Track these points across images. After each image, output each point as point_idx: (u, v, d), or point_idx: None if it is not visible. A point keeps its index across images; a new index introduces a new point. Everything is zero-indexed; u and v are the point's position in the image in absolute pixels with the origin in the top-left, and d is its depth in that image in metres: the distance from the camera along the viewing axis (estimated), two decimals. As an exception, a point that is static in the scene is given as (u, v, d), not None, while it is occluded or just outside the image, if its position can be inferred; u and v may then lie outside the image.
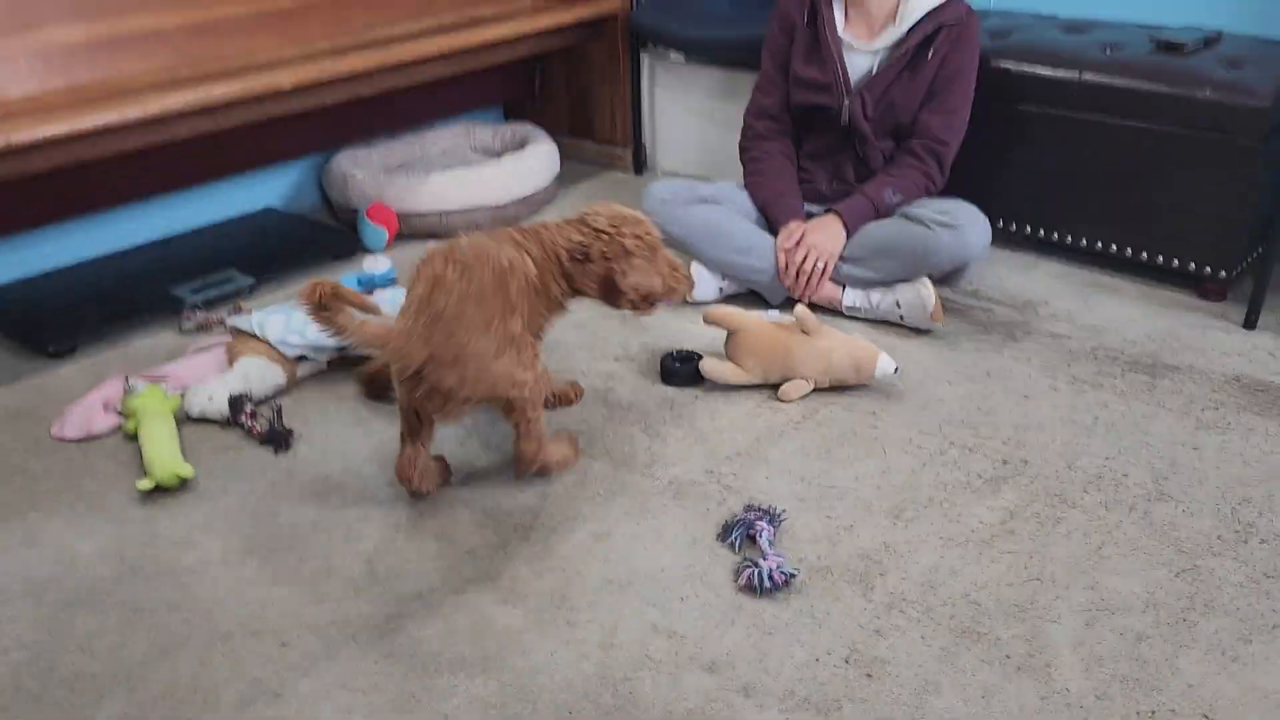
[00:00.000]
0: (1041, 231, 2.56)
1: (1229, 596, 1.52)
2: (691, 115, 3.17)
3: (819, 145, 2.41)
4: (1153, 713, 1.34)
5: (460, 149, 3.27)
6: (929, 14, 2.23)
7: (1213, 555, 1.60)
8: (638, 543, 1.68)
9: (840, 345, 2.02)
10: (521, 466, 1.77)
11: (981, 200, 2.30)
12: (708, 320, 2.10)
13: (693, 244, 2.36)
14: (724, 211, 2.36)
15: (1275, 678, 1.38)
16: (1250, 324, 2.24)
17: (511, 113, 3.55)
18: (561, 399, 1.99)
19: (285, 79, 2.38)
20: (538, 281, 1.74)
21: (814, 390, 2.05)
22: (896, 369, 2.01)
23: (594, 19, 3.07)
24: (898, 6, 2.27)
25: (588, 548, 1.68)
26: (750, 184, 2.44)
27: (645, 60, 3.21)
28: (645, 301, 1.83)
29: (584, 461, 1.89)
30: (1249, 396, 2.00)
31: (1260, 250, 2.30)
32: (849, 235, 2.28)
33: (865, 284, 2.31)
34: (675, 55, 3.15)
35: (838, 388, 2.06)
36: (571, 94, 3.39)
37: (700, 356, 2.12)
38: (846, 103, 2.30)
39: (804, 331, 2.02)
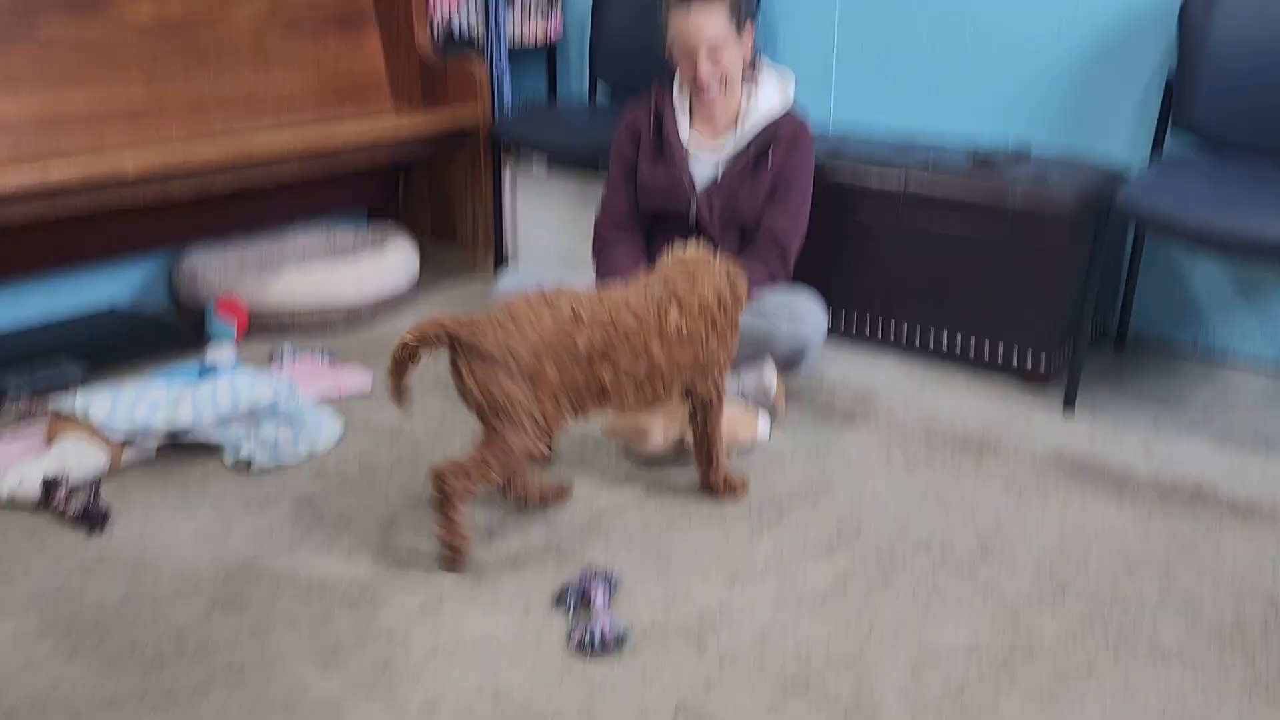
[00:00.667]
0: (880, 329, 2.69)
1: (1047, 645, 1.56)
2: (552, 222, 3.26)
3: (668, 245, 2.49)
4: (973, 752, 1.35)
5: (319, 250, 3.27)
6: (767, 126, 2.36)
7: (1031, 609, 1.65)
8: (469, 610, 1.64)
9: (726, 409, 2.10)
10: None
11: (825, 300, 2.40)
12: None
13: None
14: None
15: (1087, 716, 1.41)
16: (1069, 407, 2.37)
17: (376, 216, 3.59)
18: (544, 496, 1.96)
19: (129, 164, 2.36)
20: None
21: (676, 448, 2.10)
22: (768, 434, 2.13)
23: (456, 129, 3.17)
24: (739, 115, 2.41)
25: (416, 617, 1.62)
26: (601, 275, 2.50)
27: (507, 169, 3.30)
28: None
29: (416, 537, 1.85)
30: (1066, 470, 2.10)
31: (1074, 342, 2.45)
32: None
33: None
34: (537, 164, 3.26)
35: (686, 470, 2.08)
36: (435, 200, 3.45)
37: (546, 437, 2.12)
38: (693, 206, 2.41)
39: None
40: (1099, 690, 1.46)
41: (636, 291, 1.84)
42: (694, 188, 2.40)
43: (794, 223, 2.42)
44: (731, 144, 2.38)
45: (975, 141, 2.79)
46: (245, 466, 2.09)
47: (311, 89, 3.12)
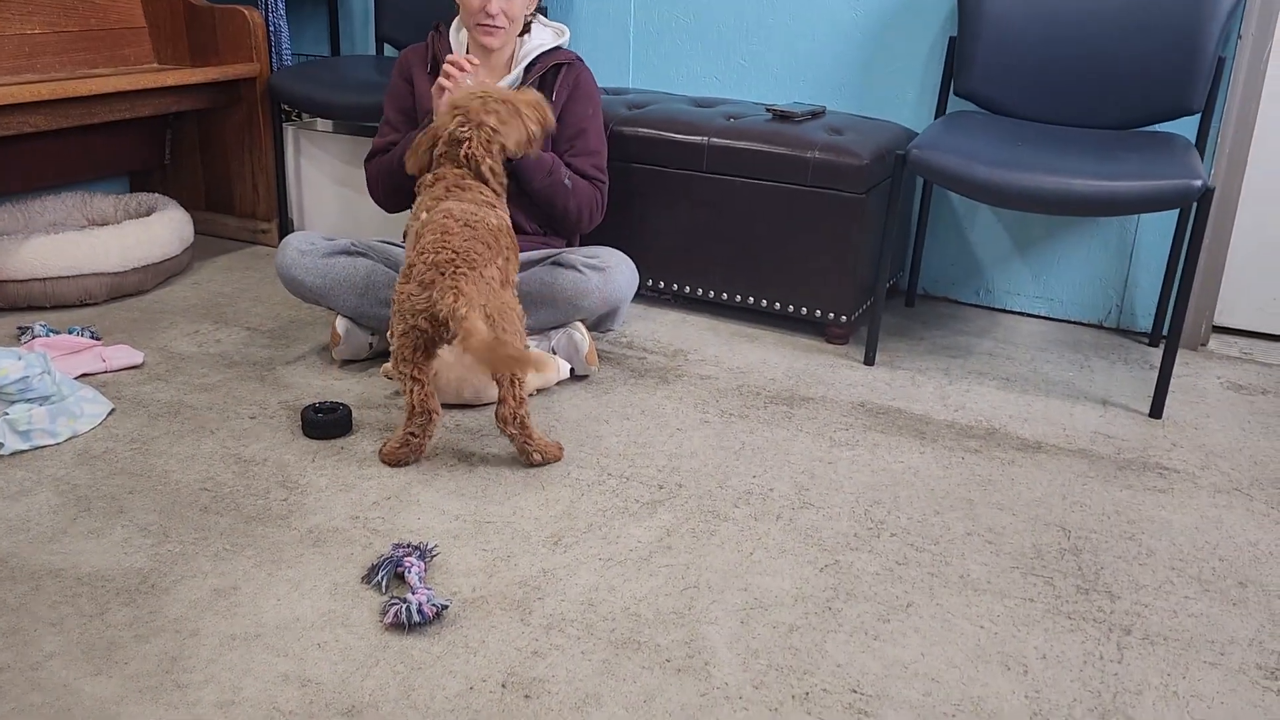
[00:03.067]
0: (688, 289, 2.68)
1: (867, 584, 1.58)
2: (339, 184, 3.06)
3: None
4: (806, 694, 1.34)
5: (74, 219, 2.93)
6: (539, 57, 2.32)
7: (851, 550, 1.67)
8: (268, 595, 1.49)
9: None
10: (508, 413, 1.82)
11: (637, 261, 2.35)
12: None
13: (336, 297, 2.22)
14: (370, 263, 2.25)
15: (911, 650, 1.44)
16: (869, 360, 2.44)
17: (139, 185, 3.26)
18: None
19: None
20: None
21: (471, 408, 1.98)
22: (572, 370, 2.09)
23: (228, 81, 2.91)
24: (513, 59, 2.34)
25: (206, 605, 1.46)
26: (380, 171, 2.35)
27: (289, 130, 3.07)
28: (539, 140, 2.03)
29: (206, 517, 1.67)
30: (872, 418, 2.15)
31: (872, 298, 2.53)
32: (532, 162, 2.25)
33: (520, 334, 2.28)
34: (321, 123, 3.05)
35: (499, 432, 1.99)
36: (209, 165, 3.17)
37: (345, 406, 1.97)
38: None
39: None
40: (919, 624, 1.49)
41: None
42: None
43: (599, 164, 2.38)
44: (507, 83, 2.32)
45: (771, 103, 2.81)
46: (-8, 454, 1.83)
47: (56, 37, 2.78)
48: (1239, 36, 2.41)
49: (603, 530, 1.70)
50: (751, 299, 2.61)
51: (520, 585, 1.54)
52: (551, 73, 2.33)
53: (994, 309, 2.85)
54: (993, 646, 1.45)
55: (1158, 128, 2.48)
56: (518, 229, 2.38)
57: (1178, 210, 2.52)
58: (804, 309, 2.56)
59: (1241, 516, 1.82)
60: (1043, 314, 2.80)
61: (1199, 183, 2.04)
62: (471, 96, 1.97)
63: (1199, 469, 1.99)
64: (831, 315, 2.53)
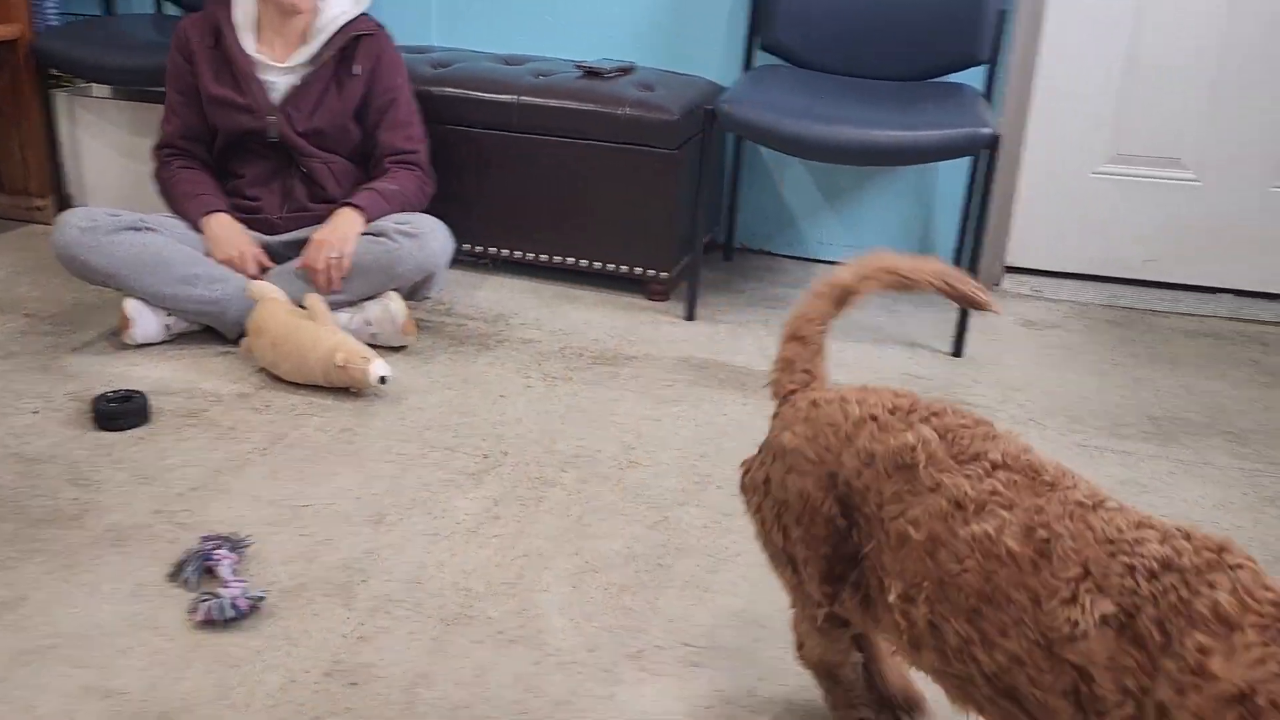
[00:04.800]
0: (507, 252, 2.63)
1: (696, 538, 1.61)
2: (120, 154, 2.83)
3: (261, 170, 2.27)
4: (640, 651, 1.35)
5: None
6: (340, 29, 2.22)
7: (680, 506, 1.69)
8: (62, 603, 1.38)
9: (342, 344, 1.95)
10: None
11: (451, 227, 2.28)
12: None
13: (124, 277, 2.06)
14: (161, 239, 2.10)
15: (739, 599, 1.47)
16: (690, 316, 2.47)
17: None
18: None
19: None
20: None
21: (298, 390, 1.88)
22: (384, 378, 1.92)
23: (-16, 44, 2.64)
24: (308, 29, 2.23)
25: (-9, 620, 1.34)
26: (167, 198, 2.28)
27: (60, 97, 2.82)
28: None
29: (-13, 525, 1.53)
30: (695, 373, 2.18)
31: (690, 254, 2.55)
32: (369, 222, 2.19)
33: (333, 306, 2.18)
34: (98, 88, 2.81)
35: (315, 409, 1.90)
36: (-33, 136, 2.87)
37: (141, 394, 1.84)
38: (272, 119, 2.20)
39: (312, 319, 1.99)
40: (745, 571, 1.53)
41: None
42: (269, 104, 2.20)
43: (412, 135, 2.33)
44: (302, 56, 2.22)
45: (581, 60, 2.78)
46: None
47: None
48: (1018, -10, 2.54)
49: (428, 505, 1.65)
50: (571, 259, 2.59)
51: (343, 569, 1.48)
52: (352, 44, 2.24)
53: (809, 259, 2.93)
54: (816, 587, 1.50)
55: (951, 78, 2.59)
56: (328, 199, 2.28)
57: (971, 157, 2.65)
58: (624, 267, 2.56)
59: (1036, 445, 1.94)
60: (853, 262, 2.90)
61: (988, 130, 2.14)
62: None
63: (998, 403, 2.11)
64: (651, 272, 2.54)
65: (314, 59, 2.22)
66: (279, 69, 2.22)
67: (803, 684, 1.30)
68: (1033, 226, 2.77)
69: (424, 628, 1.37)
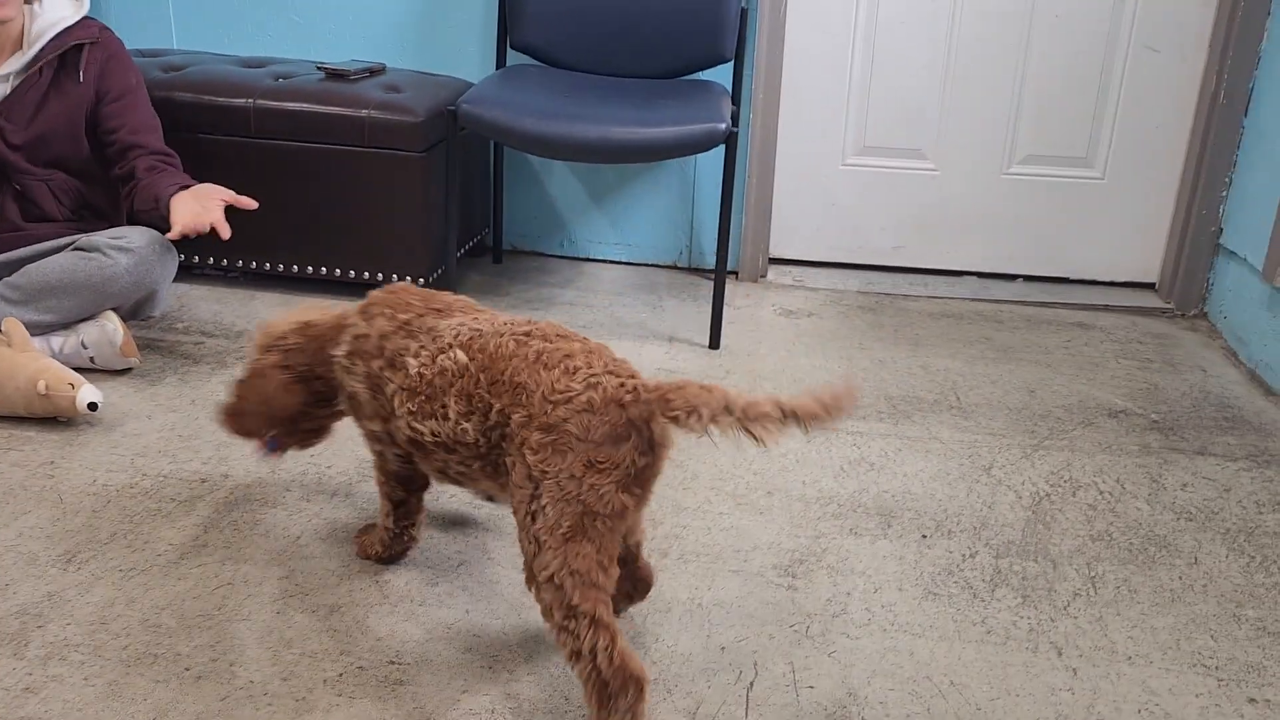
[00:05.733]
0: (255, 264, 2.51)
1: (419, 551, 1.56)
2: None
3: None
4: (340, 675, 1.30)
5: None
6: (59, 35, 2.07)
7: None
8: None
9: (44, 371, 1.79)
10: None
11: (185, 240, 2.15)
12: None
13: None
14: None
15: (455, 610, 1.43)
16: (449, 321, 2.41)
17: None
18: None
19: None
20: None
21: None
22: (94, 404, 1.79)
23: None
24: (23, 34, 2.06)
25: None
26: None
27: None
28: None
29: None
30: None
31: (445, 259, 2.49)
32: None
33: (45, 329, 2.02)
34: None
35: (14, 443, 1.75)
36: None
37: None
38: None
39: (9, 345, 1.83)
40: (467, 583, 1.49)
41: None
42: None
43: (159, 133, 2.19)
44: (17, 64, 2.05)
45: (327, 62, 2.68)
46: None
47: None
48: (759, -12, 2.60)
49: (128, 538, 1.54)
50: (324, 269, 2.50)
51: (18, 615, 1.36)
52: (73, 52, 2.07)
53: (579, 259, 2.92)
54: (536, 591, 1.47)
55: (704, 76, 2.62)
56: (46, 217, 2.11)
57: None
58: (379, 274, 2.48)
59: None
60: (623, 260, 2.91)
61: (723, 126, 2.18)
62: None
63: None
64: (408, 278, 2.47)
65: (27, 66, 2.05)
66: None
67: (510, 690, 1.27)
68: (791, 218, 2.84)
69: (101, 671, 1.27)
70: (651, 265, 2.90)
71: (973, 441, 1.96)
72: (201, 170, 2.38)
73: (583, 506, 1.15)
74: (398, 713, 1.24)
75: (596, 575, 1.15)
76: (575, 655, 1.15)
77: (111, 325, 2.01)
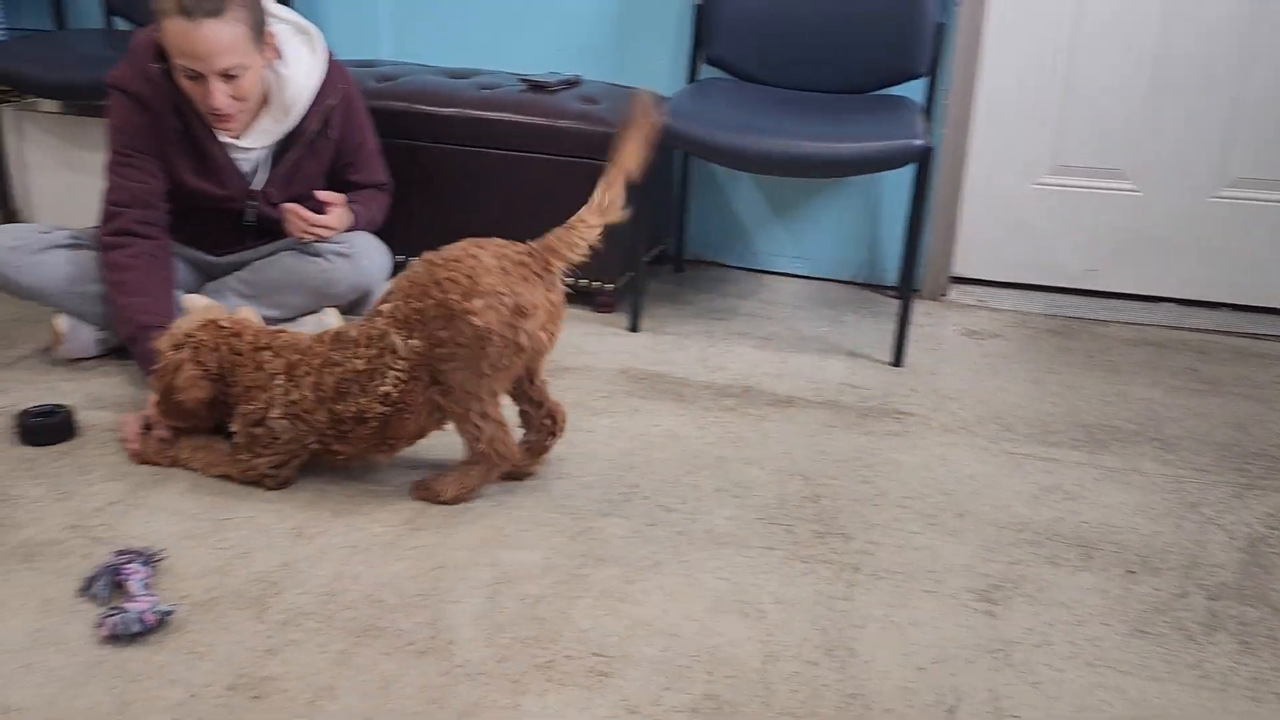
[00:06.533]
0: (451, 265, 2.63)
1: (616, 549, 1.61)
2: (67, 170, 2.83)
3: (217, 223, 2.15)
4: (549, 662, 1.35)
5: None
6: (314, 101, 2.06)
7: (602, 516, 1.69)
8: (-32, 619, 1.37)
9: None
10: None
11: (392, 237, 2.28)
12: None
13: (53, 295, 2.05)
14: (91, 253, 2.08)
15: (653, 609, 1.47)
16: (634, 328, 2.48)
17: None
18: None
19: None
20: None
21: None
22: None
23: (-72, 60, 2.63)
24: (268, 96, 2.03)
25: (-107, 637, 1.33)
26: (113, 288, 1.99)
27: (6, 112, 2.81)
28: None
29: (-101, 542, 1.52)
30: (633, 384, 2.19)
31: (635, 268, 2.56)
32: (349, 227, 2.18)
33: (271, 321, 2.17)
34: (46, 103, 2.81)
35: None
36: (-87, 152, 2.87)
37: (65, 409, 1.84)
38: (251, 204, 2.12)
39: None
40: (663, 583, 1.53)
41: None
42: (247, 190, 2.10)
43: (380, 165, 2.29)
44: (271, 129, 2.04)
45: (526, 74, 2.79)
46: None
47: None
48: (956, 4, 2.56)
49: (349, 517, 1.65)
50: (516, 272, 2.59)
51: (257, 582, 1.48)
52: (323, 103, 2.07)
53: (758, 271, 2.95)
54: (731, 596, 1.50)
55: (895, 91, 2.61)
56: (279, 236, 2.21)
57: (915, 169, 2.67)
58: (569, 279, 2.56)
59: (964, 453, 1.96)
60: (802, 273, 2.91)
61: (919, 143, 2.16)
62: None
63: (931, 411, 2.12)
64: (597, 284, 2.55)
65: (290, 134, 2.06)
66: (243, 151, 2.06)
67: (710, 690, 1.31)
68: (977, 237, 2.79)
69: (332, 640, 1.37)
70: (830, 280, 2.90)
71: (1177, 476, 1.88)
72: (409, 173, 2.52)
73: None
74: (604, 703, 1.29)
75: None
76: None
77: (330, 320, 2.15)
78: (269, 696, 1.27)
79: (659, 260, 2.88)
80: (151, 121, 1.99)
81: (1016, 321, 2.63)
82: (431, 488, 1.70)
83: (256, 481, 1.70)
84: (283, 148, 2.10)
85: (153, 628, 1.35)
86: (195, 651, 1.33)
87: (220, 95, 1.89)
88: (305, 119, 2.07)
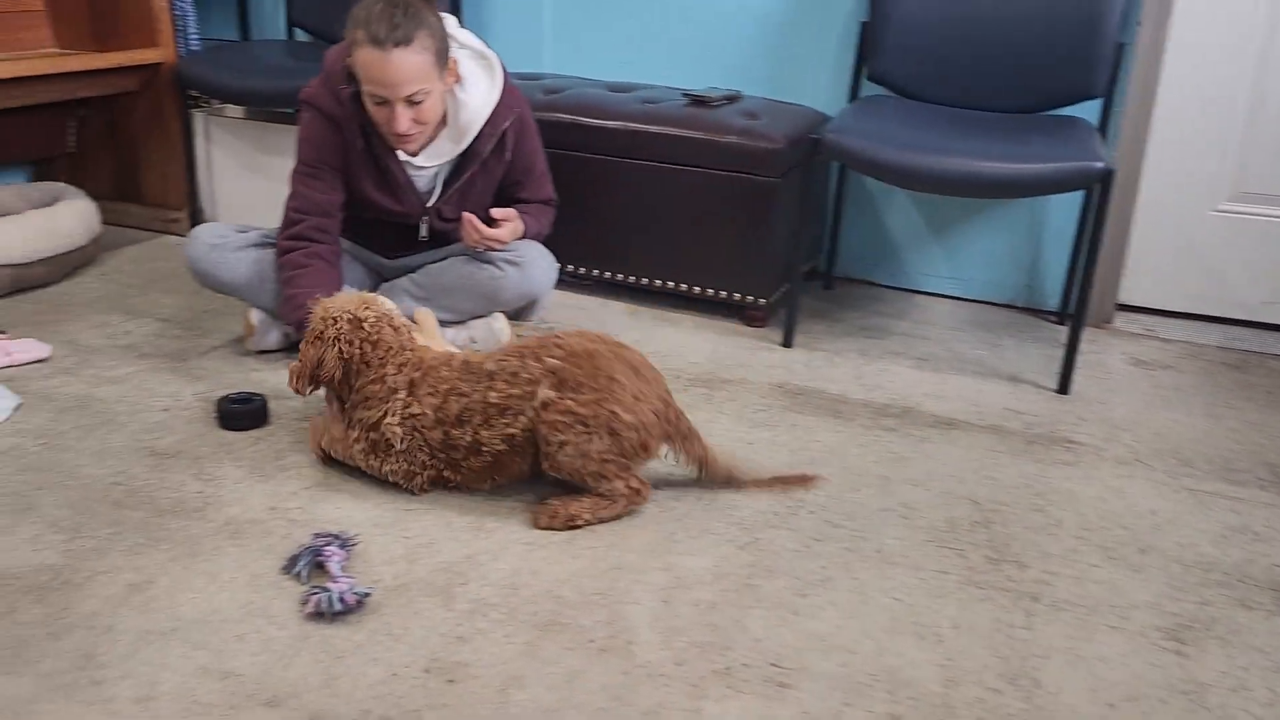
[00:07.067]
0: (608, 274, 2.69)
1: (785, 561, 1.62)
2: (251, 172, 2.99)
3: (391, 231, 2.26)
4: (727, 669, 1.37)
5: (-29, 208, 2.82)
6: (489, 122, 2.12)
7: (770, 528, 1.70)
8: (185, 588, 1.47)
9: None
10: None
11: (553, 247, 2.35)
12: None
13: (247, 291, 2.18)
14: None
15: (827, 623, 1.47)
16: (787, 343, 2.48)
17: (43, 174, 3.15)
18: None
19: None
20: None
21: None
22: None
23: (134, 66, 2.83)
24: (447, 117, 2.10)
25: (121, 600, 1.43)
26: (286, 282, 2.10)
27: (198, 117, 3.00)
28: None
29: (118, 512, 1.64)
30: (790, 399, 2.19)
31: (789, 282, 2.57)
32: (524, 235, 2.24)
33: (442, 323, 2.26)
34: (232, 109, 2.98)
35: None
36: (116, 154, 3.08)
37: (261, 397, 1.95)
38: (426, 219, 2.22)
39: (420, 332, 2.00)
40: (835, 598, 1.53)
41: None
42: (423, 206, 2.20)
43: (548, 183, 2.35)
44: (447, 149, 2.13)
45: (687, 88, 2.83)
46: (-112, 453, 1.77)
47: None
48: (1138, 23, 2.50)
49: (525, 514, 1.70)
50: (671, 283, 2.63)
51: (443, 571, 1.54)
52: (496, 126, 2.13)
53: (910, 290, 2.91)
54: (907, 617, 1.49)
55: (1063, 111, 2.55)
56: (376, 265, 2.31)
57: (1083, 192, 2.60)
58: (723, 293, 2.59)
59: (1143, 486, 1.90)
60: (957, 294, 2.87)
61: (1100, 165, 2.11)
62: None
63: (1104, 442, 2.06)
64: (750, 298, 2.57)
65: (465, 155, 2.14)
66: (422, 169, 2.15)
67: (892, 710, 1.30)
68: (1147, 264, 2.70)
69: (518, 632, 1.42)
70: (986, 302, 2.84)
71: (1376, 522, 1.79)
72: (573, 183, 2.59)
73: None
74: (785, 714, 1.29)
75: None
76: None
77: (499, 324, 2.22)
78: (462, 682, 1.32)
79: (808, 277, 2.88)
80: (339, 139, 2.09)
81: (1188, 353, 2.53)
82: (560, 513, 1.67)
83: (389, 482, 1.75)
84: (457, 166, 2.18)
85: (352, 608, 1.42)
86: (391, 634, 1.40)
87: (404, 120, 1.98)
88: (480, 140, 2.14)
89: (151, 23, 2.84)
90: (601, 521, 1.68)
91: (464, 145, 2.14)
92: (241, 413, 1.91)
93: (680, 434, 1.73)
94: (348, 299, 1.76)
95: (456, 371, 1.71)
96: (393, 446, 1.70)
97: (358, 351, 1.70)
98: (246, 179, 3.02)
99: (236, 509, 1.67)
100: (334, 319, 1.72)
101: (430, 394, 1.69)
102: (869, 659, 1.40)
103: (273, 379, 2.13)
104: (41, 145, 3.02)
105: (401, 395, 1.69)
